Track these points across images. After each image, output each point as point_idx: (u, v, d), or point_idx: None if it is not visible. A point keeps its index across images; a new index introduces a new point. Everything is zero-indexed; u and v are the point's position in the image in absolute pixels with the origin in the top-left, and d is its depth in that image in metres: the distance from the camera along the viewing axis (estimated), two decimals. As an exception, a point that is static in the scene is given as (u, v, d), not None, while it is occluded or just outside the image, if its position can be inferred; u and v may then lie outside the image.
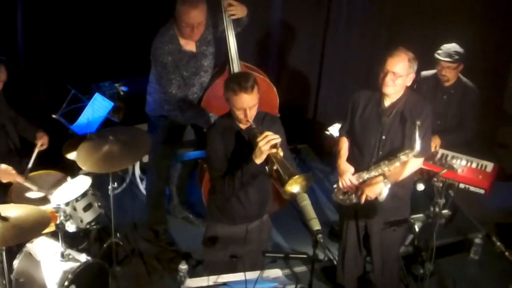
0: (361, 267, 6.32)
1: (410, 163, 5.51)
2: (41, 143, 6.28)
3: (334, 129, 7.25)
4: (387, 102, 5.51)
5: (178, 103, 6.33)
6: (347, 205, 5.79)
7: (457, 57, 6.63)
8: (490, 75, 8.50)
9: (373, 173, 5.56)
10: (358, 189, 5.63)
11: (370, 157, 5.62)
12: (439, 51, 6.69)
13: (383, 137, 5.55)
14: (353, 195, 5.68)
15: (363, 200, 5.60)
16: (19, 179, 6.00)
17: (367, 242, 6.06)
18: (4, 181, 5.96)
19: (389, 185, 5.48)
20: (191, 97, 6.44)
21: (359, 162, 5.69)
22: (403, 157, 5.43)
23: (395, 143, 5.54)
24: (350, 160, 5.77)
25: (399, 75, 5.35)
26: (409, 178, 5.72)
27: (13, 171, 5.95)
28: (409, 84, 5.47)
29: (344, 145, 5.84)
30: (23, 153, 6.48)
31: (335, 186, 5.83)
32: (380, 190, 5.50)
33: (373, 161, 5.60)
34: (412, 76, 5.42)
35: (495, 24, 8.50)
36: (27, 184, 6.04)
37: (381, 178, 5.50)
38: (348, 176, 5.66)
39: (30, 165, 6.16)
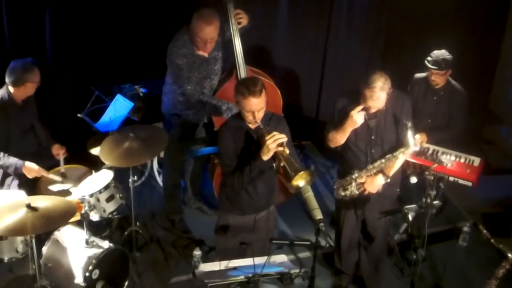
0: (357, 253, 6.29)
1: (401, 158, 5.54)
2: (62, 153, 6.28)
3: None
4: (371, 110, 5.46)
5: (198, 98, 6.34)
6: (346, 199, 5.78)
7: (444, 65, 6.60)
8: (477, 77, 8.48)
9: (372, 171, 5.55)
10: (360, 185, 5.62)
11: (364, 156, 5.61)
12: (428, 59, 6.66)
13: (373, 137, 5.55)
14: (354, 190, 5.64)
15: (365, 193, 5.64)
16: (43, 173, 6.03)
17: (364, 228, 6.06)
18: (30, 176, 6.00)
19: (388, 180, 5.51)
20: (203, 98, 6.43)
21: (354, 162, 5.66)
22: (400, 155, 5.45)
23: (384, 139, 5.55)
24: (346, 161, 5.74)
25: (382, 106, 5.37)
26: (397, 174, 5.76)
27: (37, 167, 5.99)
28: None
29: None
30: (51, 150, 6.51)
31: (335, 187, 5.72)
32: (380, 186, 5.51)
33: (368, 160, 5.59)
34: (390, 91, 5.35)
35: (482, 31, 8.49)
36: (52, 176, 6.07)
37: (380, 175, 5.52)
38: (357, 109, 5.41)
39: (62, 169, 6.20)
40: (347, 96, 5.61)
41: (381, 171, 5.53)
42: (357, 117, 5.38)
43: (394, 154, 5.46)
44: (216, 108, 6.38)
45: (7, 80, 6.00)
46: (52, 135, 6.50)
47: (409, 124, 5.33)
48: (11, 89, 6.03)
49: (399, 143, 5.53)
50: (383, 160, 5.50)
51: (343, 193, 5.65)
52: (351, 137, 5.58)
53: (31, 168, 5.97)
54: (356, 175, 5.57)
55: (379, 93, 5.25)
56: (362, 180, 5.58)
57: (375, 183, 5.55)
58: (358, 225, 6.03)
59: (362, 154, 5.62)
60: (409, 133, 5.34)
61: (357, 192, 5.64)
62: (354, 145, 5.61)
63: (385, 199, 5.81)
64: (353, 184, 5.59)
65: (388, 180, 5.52)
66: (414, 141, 5.39)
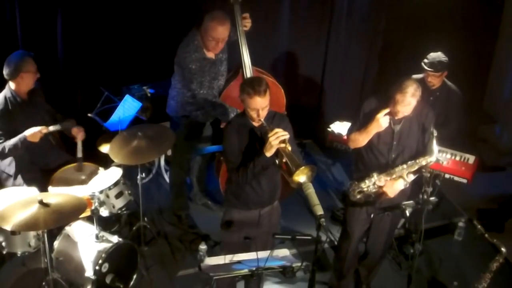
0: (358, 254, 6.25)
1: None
2: (79, 136, 6.22)
3: (335, 126, 7.23)
4: (398, 115, 5.42)
5: (209, 102, 6.35)
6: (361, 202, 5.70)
7: (439, 66, 6.57)
8: (471, 78, 8.47)
9: (393, 175, 5.50)
10: (378, 188, 5.58)
11: (384, 160, 5.55)
12: (425, 61, 6.63)
13: (394, 142, 5.50)
14: (371, 191, 5.54)
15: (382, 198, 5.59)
16: (44, 130, 5.92)
17: (368, 229, 5.99)
18: (37, 140, 5.89)
19: (407, 186, 5.49)
20: (212, 99, 6.43)
21: (373, 164, 5.57)
22: (423, 162, 5.40)
23: (405, 146, 5.50)
24: (363, 163, 5.65)
25: (409, 113, 5.34)
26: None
27: (38, 128, 5.87)
28: None
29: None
30: (62, 146, 6.49)
31: (351, 189, 5.61)
32: (399, 190, 5.50)
33: (389, 164, 5.53)
34: (419, 100, 5.34)
35: (476, 33, 8.49)
36: (52, 128, 5.99)
37: (401, 179, 5.46)
38: (383, 112, 5.38)
39: (80, 155, 6.16)
40: (375, 99, 5.56)
41: (402, 176, 5.50)
42: (383, 120, 5.36)
43: (417, 160, 5.42)
44: (224, 113, 6.37)
45: (5, 76, 5.95)
46: (60, 135, 6.49)
47: (435, 134, 5.31)
48: (11, 85, 5.97)
49: (418, 152, 5.49)
50: (405, 166, 5.44)
51: (359, 196, 5.60)
52: (374, 139, 5.51)
53: (34, 132, 5.87)
54: (376, 178, 5.49)
55: (410, 99, 5.22)
56: (381, 184, 5.52)
57: (394, 187, 5.49)
58: (367, 225, 5.95)
59: (382, 157, 5.55)
60: (434, 142, 5.33)
61: (372, 192, 5.56)
62: (376, 147, 5.55)
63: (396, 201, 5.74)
64: (371, 186, 5.54)
65: (407, 185, 5.49)
66: (437, 151, 5.38)
